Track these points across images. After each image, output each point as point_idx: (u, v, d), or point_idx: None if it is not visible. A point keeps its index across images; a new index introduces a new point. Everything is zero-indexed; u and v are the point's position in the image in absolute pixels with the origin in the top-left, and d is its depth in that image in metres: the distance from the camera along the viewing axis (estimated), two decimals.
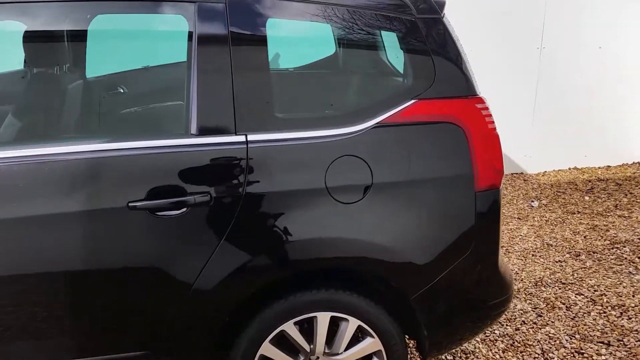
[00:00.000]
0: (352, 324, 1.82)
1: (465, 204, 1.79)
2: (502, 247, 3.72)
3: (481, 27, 4.91)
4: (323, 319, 1.80)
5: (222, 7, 1.65)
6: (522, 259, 3.52)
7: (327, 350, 1.84)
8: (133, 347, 1.72)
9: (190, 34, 1.65)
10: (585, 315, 2.82)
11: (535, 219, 4.21)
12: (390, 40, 1.79)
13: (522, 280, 3.23)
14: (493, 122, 1.82)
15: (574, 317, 2.81)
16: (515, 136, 5.25)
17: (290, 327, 1.79)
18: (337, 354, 1.84)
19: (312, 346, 1.82)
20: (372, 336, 1.84)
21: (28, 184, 1.54)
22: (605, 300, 2.96)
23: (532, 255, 3.58)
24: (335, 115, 1.78)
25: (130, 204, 1.58)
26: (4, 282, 1.57)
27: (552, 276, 3.26)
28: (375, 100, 1.78)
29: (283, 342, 1.83)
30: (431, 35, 1.78)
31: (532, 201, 4.59)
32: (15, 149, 1.58)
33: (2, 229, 1.54)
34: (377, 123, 1.73)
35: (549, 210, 4.39)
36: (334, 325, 1.84)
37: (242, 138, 1.65)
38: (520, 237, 3.89)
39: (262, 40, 1.69)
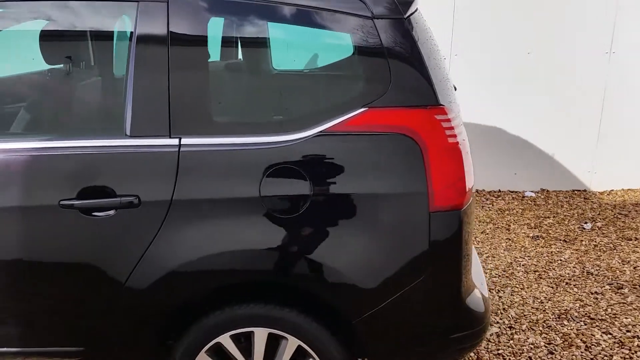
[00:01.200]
0: (291, 344, 1.72)
1: (417, 225, 1.62)
2: (535, 271, 3.38)
3: (541, 28, 4.50)
4: (260, 335, 1.72)
5: (164, 6, 1.62)
6: (552, 287, 3.17)
7: None
8: (68, 342, 1.74)
9: (131, 34, 1.63)
10: (605, 358, 2.47)
11: (583, 242, 3.79)
12: (343, 41, 1.65)
13: (544, 310, 2.90)
14: (456, 135, 1.62)
15: (592, 359, 2.47)
16: (577, 149, 4.77)
17: (226, 340, 1.73)
18: None
19: None
20: (314, 358, 1.73)
21: None
22: (636, 343, 2.58)
23: (566, 283, 3.21)
24: (278, 121, 1.68)
25: (61, 203, 1.60)
26: None
27: (581, 309, 2.90)
28: (322, 106, 1.66)
29: (223, 356, 1.76)
30: (390, 37, 1.62)
31: (585, 222, 4.14)
32: None
33: None
34: (320, 131, 1.61)
35: (602, 233, 3.93)
36: (277, 343, 1.74)
37: (175, 141, 1.60)
38: (559, 262, 3.51)
39: (203, 41, 1.63)
